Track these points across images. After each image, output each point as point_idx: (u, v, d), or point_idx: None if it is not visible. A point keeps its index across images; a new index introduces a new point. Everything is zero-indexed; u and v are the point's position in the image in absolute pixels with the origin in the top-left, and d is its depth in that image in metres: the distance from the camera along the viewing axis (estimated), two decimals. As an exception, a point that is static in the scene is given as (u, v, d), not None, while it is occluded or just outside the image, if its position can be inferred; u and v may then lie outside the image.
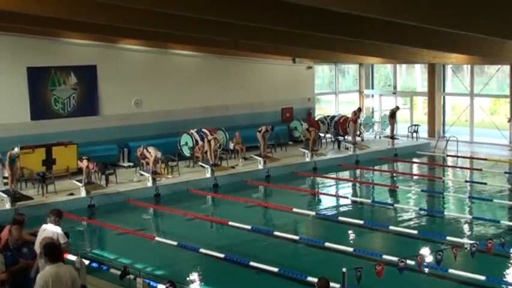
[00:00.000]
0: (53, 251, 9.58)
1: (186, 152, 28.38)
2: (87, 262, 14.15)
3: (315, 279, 11.66)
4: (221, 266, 15.91)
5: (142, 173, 24.63)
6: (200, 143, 27.98)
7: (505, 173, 27.46)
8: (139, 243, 18.13)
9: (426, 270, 14.57)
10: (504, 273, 15.22)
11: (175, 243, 17.35)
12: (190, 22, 20.05)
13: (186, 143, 28.50)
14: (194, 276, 15.38)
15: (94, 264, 15.02)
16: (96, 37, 26.84)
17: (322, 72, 39.97)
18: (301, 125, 33.14)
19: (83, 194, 22.15)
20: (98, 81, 28.01)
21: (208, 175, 25.34)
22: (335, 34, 20.80)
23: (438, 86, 35.89)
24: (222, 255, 16.16)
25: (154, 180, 23.78)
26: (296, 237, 17.93)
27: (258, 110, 32.64)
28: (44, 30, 24.41)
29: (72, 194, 22.34)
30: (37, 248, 11.21)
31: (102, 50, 28.16)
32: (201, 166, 26.16)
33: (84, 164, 22.66)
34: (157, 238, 18.14)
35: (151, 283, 13.35)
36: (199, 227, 19.99)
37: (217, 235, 19.20)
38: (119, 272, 13.71)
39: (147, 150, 24.52)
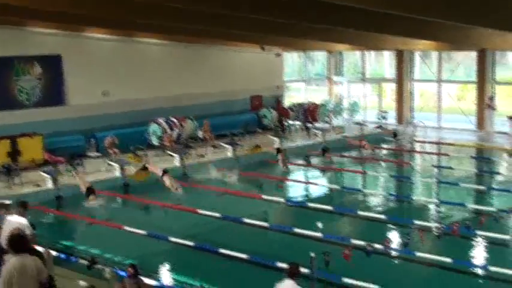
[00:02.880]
0: (17, 242, 9.42)
1: (155, 141, 28.25)
2: (54, 253, 14.05)
3: (285, 265, 11.72)
4: (191, 254, 15.90)
5: (111, 163, 24.48)
6: (169, 131, 27.89)
7: (471, 157, 27.76)
8: (108, 234, 18.06)
9: (394, 253, 14.71)
10: (470, 255, 15.37)
11: (144, 232, 17.29)
12: (157, 10, 19.95)
13: (155, 132, 28.36)
14: (164, 265, 15.33)
15: (62, 256, 14.94)
16: (61, 26, 26.56)
17: (291, 59, 39.99)
18: (271, 112, 33.18)
19: (50, 185, 21.96)
20: (63, 71, 27.76)
21: (177, 164, 25.26)
22: (303, 21, 20.83)
23: (406, 72, 36.13)
24: (191, 244, 16.15)
25: (123, 170, 23.67)
26: (265, 224, 17.95)
27: (227, 98, 32.62)
28: (7, 19, 24.06)
29: (38, 186, 22.14)
30: (3, 241, 11.04)
31: (67, 40, 27.90)
32: (170, 155, 26.07)
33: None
34: (126, 228, 18.04)
35: (120, 272, 13.30)
36: (169, 216, 19.94)
37: (186, 224, 19.13)
38: (87, 262, 13.64)
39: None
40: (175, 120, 28.74)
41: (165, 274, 14.70)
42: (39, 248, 12.05)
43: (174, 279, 14.28)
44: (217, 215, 18.82)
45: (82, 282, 12.40)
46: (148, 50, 30.77)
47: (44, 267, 9.67)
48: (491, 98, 32.80)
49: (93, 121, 28.02)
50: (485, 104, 32.59)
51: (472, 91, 35.09)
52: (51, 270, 12.23)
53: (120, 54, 29.58)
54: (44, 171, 22.48)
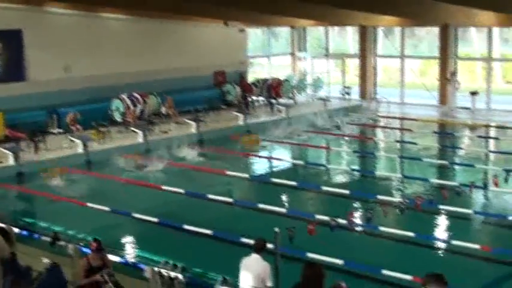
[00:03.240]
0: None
1: (117, 117, 28.02)
2: (16, 230, 13.90)
3: (249, 241, 11.74)
4: (155, 230, 15.86)
5: (73, 139, 24.25)
6: (131, 108, 27.69)
7: (434, 132, 28.04)
8: (71, 210, 17.92)
9: (357, 228, 14.80)
10: (432, 228, 15.54)
11: (107, 209, 17.20)
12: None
13: (117, 108, 28.11)
14: (128, 241, 15.28)
15: (24, 233, 14.79)
16: (21, 0, 26.11)
17: (255, 35, 39.85)
18: (234, 88, 33.08)
19: (12, 161, 21.71)
20: (24, 46, 27.29)
21: (141, 140, 25.13)
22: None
23: (369, 48, 36.22)
24: (155, 220, 16.10)
25: (85, 146, 23.49)
26: (230, 200, 17.95)
27: (191, 74, 32.38)
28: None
29: (0, 162, 21.88)
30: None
31: (28, 14, 27.39)
32: (133, 131, 25.89)
33: None
34: (89, 204, 17.91)
35: (83, 249, 13.20)
36: (133, 192, 19.84)
37: (150, 200, 19.06)
38: (49, 239, 13.50)
39: None
40: (138, 96, 28.51)
41: (129, 250, 14.65)
42: (2, 225, 11.90)
43: (138, 255, 14.24)
44: (181, 191, 18.78)
45: (45, 259, 12.28)
46: (111, 25, 30.40)
47: (6, 245, 9.54)
48: (454, 74, 33.05)
49: (55, 97, 27.60)
50: (447, 79, 32.82)
51: (434, 67, 35.33)
52: (14, 247, 12.10)
53: (82, 29, 29.14)
54: (5, 148, 22.19)
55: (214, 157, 23.91)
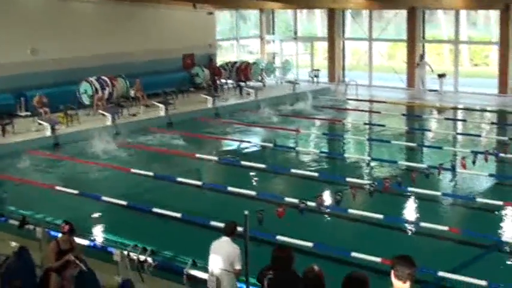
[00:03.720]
0: None
1: (86, 100, 27.76)
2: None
3: (218, 224, 11.74)
4: (124, 213, 15.78)
5: (41, 122, 24.01)
6: (100, 91, 27.47)
7: (402, 115, 28.22)
8: (40, 194, 17.78)
9: (326, 211, 14.87)
10: (401, 211, 15.66)
11: (76, 192, 17.08)
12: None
13: (86, 91, 27.85)
14: (96, 224, 15.19)
15: (-9, 216, 14.65)
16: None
17: (224, 18, 39.70)
18: (203, 71, 32.99)
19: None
20: (-11, 28, 26.91)
21: (109, 123, 24.96)
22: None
23: (338, 31, 36.28)
24: (124, 203, 16.02)
25: (53, 129, 23.30)
26: (199, 183, 17.91)
27: (159, 57, 32.17)
28: None
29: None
30: None
31: (-7, -4, 27.00)
32: (101, 114, 25.70)
33: None
34: (57, 188, 17.77)
35: (52, 232, 13.11)
36: (101, 175, 19.72)
37: (119, 183, 18.96)
38: (17, 223, 13.37)
39: None
40: (106, 79, 28.28)
41: (98, 234, 14.57)
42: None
43: (106, 238, 14.17)
44: (150, 174, 18.70)
45: (13, 243, 12.17)
46: (79, 7, 30.00)
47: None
48: (422, 56, 33.23)
49: (22, 80, 27.18)
50: (417, 64, 32.95)
51: (402, 49, 35.50)
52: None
53: (50, 11, 28.75)
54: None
55: (183, 140, 23.82)
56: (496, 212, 15.32)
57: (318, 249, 12.65)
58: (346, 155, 21.32)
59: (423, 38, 34.11)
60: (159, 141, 23.57)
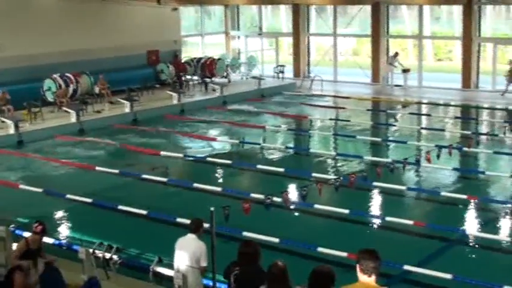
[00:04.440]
0: None
1: (50, 98, 27.47)
2: None
3: (185, 221, 11.68)
4: (89, 211, 15.66)
5: (4, 119, 23.72)
6: (64, 87, 27.22)
7: (367, 110, 28.35)
8: (3, 192, 17.56)
9: (292, 206, 14.90)
10: (366, 205, 15.74)
11: (40, 190, 16.91)
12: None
13: (50, 88, 27.55)
14: (61, 222, 15.06)
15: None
16: None
17: (188, 14, 39.55)
18: (168, 67, 32.85)
19: None
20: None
21: (74, 120, 24.75)
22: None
23: (303, 27, 36.36)
24: (89, 201, 15.90)
25: (17, 126, 23.04)
26: (165, 180, 17.83)
27: (124, 53, 31.92)
28: None
29: None
30: None
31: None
32: (65, 111, 25.46)
33: None
34: (21, 186, 17.58)
35: (17, 231, 12.99)
36: (66, 173, 19.53)
37: (84, 181, 18.79)
38: (-20, 223, 13.20)
39: None
40: (70, 76, 28.01)
41: (63, 232, 14.44)
42: None
43: (71, 237, 14.05)
44: (115, 171, 18.57)
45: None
46: (43, 4, 29.63)
47: None
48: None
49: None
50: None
51: (367, 45, 35.69)
52: None
53: (14, 7, 28.36)
54: None
55: (149, 137, 23.69)
56: (460, 206, 15.48)
57: (284, 244, 12.67)
58: (311, 151, 21.35)
59: (387, 33, 34.32)
60: (124, 138, 23.41)
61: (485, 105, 28.83)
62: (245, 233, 12.89)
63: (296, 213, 15.16)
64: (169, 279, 10.02)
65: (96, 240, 11.68)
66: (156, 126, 24.74)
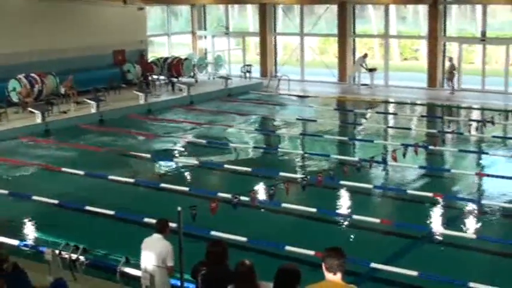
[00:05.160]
0: None
1: (15, 98, 27.16)
2: None
3: (152, 221, 11.62)
4: (55, 212, 15.51)
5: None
6: (26, 87, 26.93)
7: (335, 109, 28.47)
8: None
9: (260, 205, 14.89)
10: (334, 204, 15.79)
11: (5, 191, 16.72)
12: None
13: (14, 89, 27.23)
14: (27, 223, 14.89)
15: None
16: None
17: (155, 13, 39.39)
18: (134, 67, 32.69)
19: None
20: None
21: (39, 121, 24.51)
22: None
23: (270, 26, 36.39)
24: (55, 202, 15.75)
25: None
26: (132, 180, 17.72)
27: (90, 53, 31.67)
28: None
29: None
30: None
31: None
32: (31, 112, 25.20)
33: None
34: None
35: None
36: (32, 174, 19.33)
37: (50, 182, 18.59)
38: None
39: None
40: (36, 76, 27.72)
41: (29, 233, 14.30)
42: None
43: (37, 238, 13.91)
44: (81, 172, 18.41)
45: None
46: (8, 3, 29.31)
47: None
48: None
49: None
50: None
51: (333, 44, 35.84)
52: None
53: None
54: None
55: (115, 137, 23.55)
56: (427, 204, 15.60)
57: (252, 243, 12.67)
58: (279, 150, 21.38)
59: (354, 33, 34.50)
60: (91, 138, 23.24)
61: (452, 104, 29.12)
62: (213, 233, 12.87)
63: (264, 213, 15.15)
64: (137, 279, 9.97)
65: (63, 241, 11.59)
66: (122, 126, 24.57)
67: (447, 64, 31.33)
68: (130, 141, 22.88)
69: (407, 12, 41.86)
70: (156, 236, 9.55)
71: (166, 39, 38.79)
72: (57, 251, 10.47)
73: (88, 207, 15.10)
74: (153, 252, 9.41)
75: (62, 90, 28.30)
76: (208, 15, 40.06)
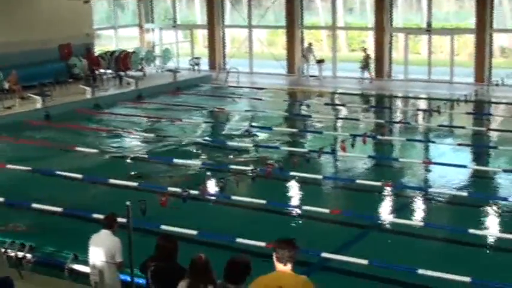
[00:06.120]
0: None
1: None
2: None
3: (101, 216, 11.47)
4: (2, 210, 15.22)
5: None
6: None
7: (284, 101, 28.54)
8: None
9: (210, 198, 14.87)
10: (284, 195, 15.83)
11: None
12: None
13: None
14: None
15: None
16: None
17: (101, 7, 38.95)
18: (81, 61, 32.27)
19: None
20: None
21: (-18, 116, 24.12)
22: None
23: (218, 18, 36.27)
24: (1, 199, 15.45)
25: None
26: (79, 176, 17.45)
27: (34, 48, 31.12)
28: None
29: None
30: None
31: None
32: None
33: None
34: None
35: None
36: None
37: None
38: None
39: None
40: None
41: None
42: None
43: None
44: (27, 168, 18.09)
45: None
46: None
47: None
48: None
49: None
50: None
51: (282, 36, 35.91)
52: None
53: None
54: None
55: (62, 132, 23.22)
56: (376, 193, 15.73)
57: (203, 236, 12.61)
58: (228, 143, 21.30)
59: (302, 24, 34.59)
60: (36, 134, 22.89)
61: (399, 94, 29.47)
62: (163, 227, 12.77)
63: (214, 205, 15.11)
64: (86, 276, 9.86)
65: (8, 239, 11.39)
66: (69, 121, 24.26)
67: (362, 54, 32.17)
68: (77, 136, 22.55)
69: (355, 4, 42.17)
70: (104, 232, 9.45)
71: (113, 32, 38.39)
72: (2, 250, 10.26)
73: (35, 205, 14.82)
74: (102, 248, 9.31)
75: (6, 86, 27.79)
76: (156, 8, 39.77)
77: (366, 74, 31.99)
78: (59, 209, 14.50)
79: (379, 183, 15.92)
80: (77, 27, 33.69)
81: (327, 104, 27.87)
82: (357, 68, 32.41)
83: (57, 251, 12.31)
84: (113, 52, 34.38)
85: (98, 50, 35.39)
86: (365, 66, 31.96)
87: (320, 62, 33.11)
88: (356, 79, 32.19)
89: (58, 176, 17.42)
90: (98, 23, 37.49)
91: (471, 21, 31.05)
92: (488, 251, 12.69)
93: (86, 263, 9.98)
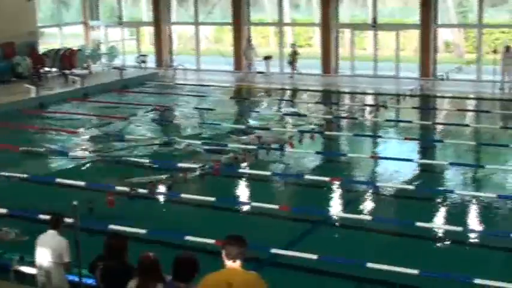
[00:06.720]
0: None
1: None
2: None
3: (48, 217, 11.30)
4: None
5: None
6: None
7: (231, 98, 28.51)
8: None
9: (159, 196, 14.78)
10: (233, 192, 15.82)
11: None
12: None
13: None
14: None
15: None
16: None
17: (45, 4, 38.39)
18: (25, 60, 31.75)
19: None
20: None
21: None
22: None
23: (164, 15, 36.08)
24: None
25: None
26: (24, 175, 17.15)
27: (-24, 47, 30.58)
28: None
29: None
30: None
31: None
32: None
33: None
34: None
35: None
36: None
37: None
38: None
39: None
40: None
41: None
42: None
43: None
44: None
45: None
46: None
47: None
48: (249, 40, 33.72)
49: None
50: (247, 53, 33.44)
51: (229, 33, 35.88)
52: None
53: None
54: None
55: (5, 132, 22.79)
56: (324, 188, 15.82)
57: (152, 235, 12.52)
58: (177, 140, 21.15)
59: (248, 21, 34.59)
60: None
61: (346, 90, 29.70)
62: (111, 226, 12.64)
63: (163, 203, 15.02)
64: (33, 277, 9.70)
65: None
66: (13, 121, 23.86)
67: (289, 50, 32.69)
68: (21, 136, 22.15)
69: (301, 0, 42.36)
70: (51, 232, 9.33)
71: (58, 30, 37.86)
72: None
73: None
74: (49, 249, 9.18)
75: None
76: (101, 5, 39.36)
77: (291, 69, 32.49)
78: (4, 211, 14.23)
79: (327, 179, 16.01)
80: (21, 25, 33.13)
81: (275, 100, 27.90)
82: (304, 64, 32.57)
83: (3, 252, 12.08)
84: (58, 50, 33.92)
85: (42, 48, 34.86)
86: (292, 61, 32.30)
87: (267, 58, 33.17)
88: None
89: (1, 176, 17.06)
90: (42, 21, 36.94)
91: (416, 18, 31.40)
92: (435, 244, 12.85)
93: (32, 264, 9.81)
